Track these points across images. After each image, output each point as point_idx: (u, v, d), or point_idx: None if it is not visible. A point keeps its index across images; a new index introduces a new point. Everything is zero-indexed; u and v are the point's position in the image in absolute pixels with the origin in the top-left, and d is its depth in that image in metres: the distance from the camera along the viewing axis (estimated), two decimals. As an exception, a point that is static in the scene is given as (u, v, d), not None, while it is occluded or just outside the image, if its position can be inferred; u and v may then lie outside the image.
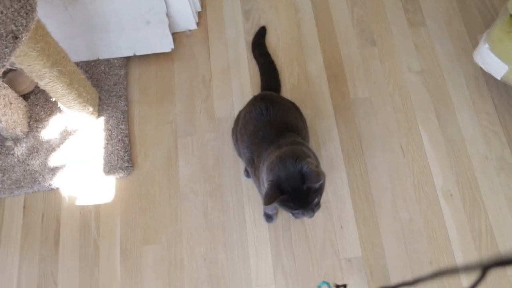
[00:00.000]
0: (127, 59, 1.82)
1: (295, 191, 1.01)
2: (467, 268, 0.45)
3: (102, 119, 1.69)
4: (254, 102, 1.30)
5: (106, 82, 1.76)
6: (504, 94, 1.65)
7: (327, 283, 1.18)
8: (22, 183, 1.62)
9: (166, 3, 1.69)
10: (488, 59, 1.50)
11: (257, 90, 1.72)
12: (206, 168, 1.61)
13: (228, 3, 1.92)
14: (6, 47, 1.12)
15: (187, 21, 1.83)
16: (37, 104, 1.74)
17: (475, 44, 1.65)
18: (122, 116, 1.69)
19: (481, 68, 1.56)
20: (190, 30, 1.87)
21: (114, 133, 1.66)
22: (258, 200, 1.53)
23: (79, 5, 1.64)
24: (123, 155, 1.62)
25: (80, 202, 1.61)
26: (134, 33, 1.75)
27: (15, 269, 1.53)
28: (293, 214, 1.11)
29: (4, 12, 1.11)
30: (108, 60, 1.79)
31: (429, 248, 1.44)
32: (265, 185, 1.07)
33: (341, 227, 1.49)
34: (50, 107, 1.73)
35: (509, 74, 1.45)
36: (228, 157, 1.62)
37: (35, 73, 1.34)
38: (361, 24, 1.83)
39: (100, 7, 1.66)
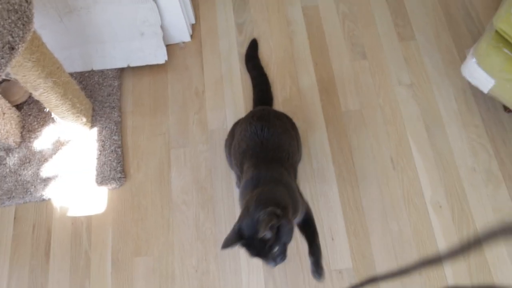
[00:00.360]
0: (121, 70, 1.84)
1: (252, 239, 0.99)
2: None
3: (95, 130, 1.72)
4: (251, 120, 1.30)
5: (100, 93, 1.78)
6: (491, 108, 1.70)
7: None
8: (14, 194, 1.63)
9: (160, 15, 1.73)
10: (475, 73, 1.54)
11: (249, 102, 1.75)
12: (198, 180, 1.64)
13: (221, 16, 1.96)
14: (2, 58, 1.14)
15: (181, 33, 1.87)
16: (30, 114, 1.76)
17: (463, 58, 1.70)
18: (115, 127, 1.71)
19: (469, 82, 1.61)
20: (184, 42, 1.91)
21: (107, 144, 1.68)
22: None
23: (74, 16, 1.68)
24: (115, 166, 1.64)
25: (71, 213, 1.62)
26: (128, 44, 1.78)
27: (5, 281, 1.54)
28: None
29: (1, 23, 1.13)
30: (102, 71, 1.82)
31: (418, 258, 1.47)
32: None
33: (332, 239, 1.52)
34: (43, 118, 1.75)
35: (496, 88, 1.50)
36: (221, 169, 1.64)
37: (29, 84, 1.36)
38: (352, 37, 1.88)
39: (95, 18, 1.70)
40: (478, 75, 1.54)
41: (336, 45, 1.87)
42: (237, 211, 1.55)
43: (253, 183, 1.14)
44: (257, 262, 1.49)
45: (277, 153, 1.23)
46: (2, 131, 1.60)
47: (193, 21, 1.94)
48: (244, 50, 1.87)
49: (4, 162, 1.68)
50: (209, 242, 1.53)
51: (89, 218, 1.61)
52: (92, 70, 1.82)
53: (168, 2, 1.71)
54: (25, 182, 1.64)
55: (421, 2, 1.93)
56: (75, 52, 1.81)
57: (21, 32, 1.17)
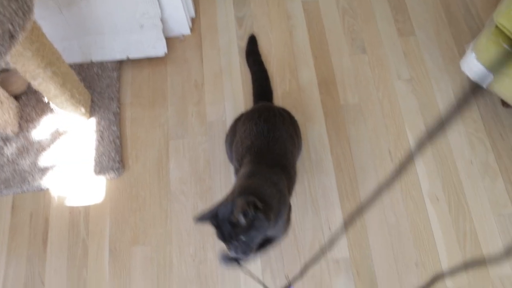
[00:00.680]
0: (120, 62, 1.92)
1: (223, 220, 1.03)
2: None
3: (93, 120, 1.79)
4: (257, 121, 1.34)
5: (99, 84, 1.85)
6: (489, 103, 1.77)
7: None
8: (11, 183, 1.69)
9: (160, 7, 1.80)
10: (475, 68, 1.62)
11: (249, 96, 1.83)
12: (197, 171, 1.70)
13: (221, 10, 2.04)
14: (2, 46, 1.19)
15: (181, 26, 1.94)
16: (28, 104, 1.83)
17: (462, 54, 1.78)
18: (114, 118, 1.78)
19: (467, 77, 1.68)
20: (183, 35, 1.98)
21: (105, 134, 1.75)
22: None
23: (74, 8, 1.75)
24: (114, 156, 1.71)
25: (69, 202, 1.69)
26: (128, 36, 1.86)
27: (2, 269, 1.60)
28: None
29: (2, 11, 1.18)
30: (101, 62, 1.89)
31: (415, 250, 1.54)
32: None
33: (330, 229, 1.58)
34: (42, 108, 1.82)
35: (494, 83, 1.57)
36: (219, 161, 1.71)
37: (29, 73, 1.43)
38: (352, 32, 1.96)
39: (94, 10, 1.77)
40: (477, 70, 1.61)
41: (335, 39, 1.95)
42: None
43: (249, 175, 1.18)
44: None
45: (282, 159, 1.28)
46: (0, 121, 1.66)
47: (193, 15, 2.01)
48: (243, 44, 1.95)
49: (2, 152, 1.74)
50: (207, 232, 1.60)
51: (87, 208, 1.67)
52: (91, 62, 1.89)
53: (169, -5, 1.79)
54: (23, 171, 1.71)
55: (421, -2, 2.02)
56: (74, 44, 1.89)
57: (21, 21, 1.23)
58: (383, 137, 1.73)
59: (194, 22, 2.02)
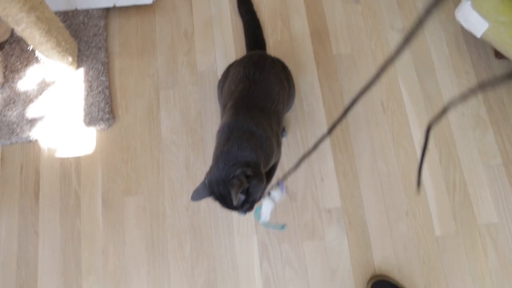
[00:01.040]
0: (107, 10, 1.81)
1: (222, 196, 1.07)
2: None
3: (81, 70, 1.70)
4: (246, 64, 1.31)
5: (85, 33, 1.76)
6: (482, 55, 1.73)
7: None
8: (-1, 134, 1.63)
9: (147, -49, 1.69)
10: (470, 17, 1.56)
11: (240, 45, 1.75)
12: (188, 121, 1.65)
13: (211, -45, 1.93)
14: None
15: (169, -28, 1.83)
16: (13, 54, 1.74)
17: (456, 3, 1.71)
18: (102, 68, 1.70)
19: (461, 28, 1.63)
20: (171, -18, 1.88)
21: (94, 84, 1.68)
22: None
23: (56, -50, 1.63)
24: (103, 107, 1.64)
25: (60, 153, 1.63)
26: (115, -18, 1.75)
27: (-6, 220, 1.57)
28: None
29: None
30: (87, 10, 1.78)
31: (405, 199, 1.54)
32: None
33: (322, 179, 1.56)
34: (27, 58, 1.73)
35: (489, 32, 1.52)
36: (211, 110, 1.66)
37: (11, 17, 1.33)
38: (345, -20, 1.87)
39: (79, -47, 1.65)
40: (472, 18, 1.55)
41: (328, -13, 1.86)
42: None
43: (228, 131, 1.15)
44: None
45: (262, 100, 1.23)
46: (-15, 70, 1.58)
47: (182, -40, 1.90)
48: (233, -9, 1.86)
49: (-12, 103, 1.67)
50: (200, 182, 1.56)
51: (77, 159, 1.63)
52: (76, 9, 1.79)
53: None
54: (10, 123, 1.64)
55: None
56: (58, -11, 1.77)
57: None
58: (375, 88, 1.68)
59: (183, -32, 1.91)
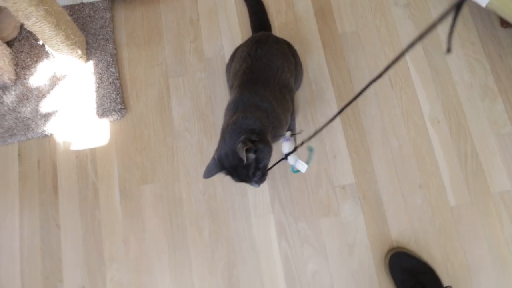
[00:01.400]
0: (112, 2, 1.77)
1: (233, 167, 1.05)
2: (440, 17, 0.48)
3: (91, 63, 1.67)
4: (249, 43, 1.31)
5: (92, 26, 1.72)
6: (488, 24, 1.68)
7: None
8: (15, 131, 1.60)
9: None
10: (474, -14, 1.51)
11: (246, 29, 1.71)
12: (199, 107, 1.62)
13: None
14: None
15: (171, -40, 1.78)
16: (22, 51, 1.70)
17: (459, -26, 1.66)
18: (111, 59, 1.67)
19: (465, -2, 1.58)
20: (174, -30, 1.83)
21: (104, 76, 1.65)
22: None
23: None
24: (115, 98, 1.61)
25: (75, 146, 1.61)
26: (117, -27, 1.71)
27: (16, 215, 1.54)
28: None
29: None
30: (92, 3, 1.74)
31: (418, 172, 1.50)
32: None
33: (334, 157, 1.53)
34: (36, 54, 1.69)
35: (494, 0, 1.47)
36: (221, 96, 1.63)
37: (21, 12, 1.30)
38: (346, -42, 1.81)
39: None
40: (476, -12, 1.50)
41: (330, -34, 1.80)
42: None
43: (234, 107, 1.15)
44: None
45: (265, 73, 1.22)
46: (-4, 68, 1.55)
47: None
48: (236, -24, 1.80)
49: (1, 101, 1.64)
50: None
51: (93, 151, 1.60)
52: (82, 3, 1.75)
53: None
54: (25, 118, 1.62)
55: None
56: (62, -15, 1.73)
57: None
58: (382, 64, 1.64)
59: (184, -44, 1.86)
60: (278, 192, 1.50)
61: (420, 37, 0.49)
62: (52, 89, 1.65)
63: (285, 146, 1.20)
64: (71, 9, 1.74)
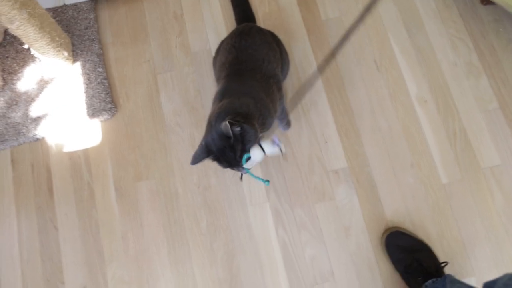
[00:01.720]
0: (95, 2, 1.72)
1: (220, 150, 1.00)
2: None
3: (78, 64, 1.62)
4: (233, 35, 1.29)
5: (77, 27, 1.67)
6: (468, 2, 1.65)
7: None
8: (6, 136, 1.56)
9: None
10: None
11: (230, 21, 1.67)
12: (188, 101, 1.58)
13: None
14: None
15: (151, -44, 1.73)
16: (8, 56, 1.65)
17: (438, -46, 1.64)
18: (98, 59, 1.62)
19: (445, -23, 1.55)
20: (155, -33, 1.78)
21: (92, 76, 1.60)
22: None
23: None
24: (104, 97, 1.57)
25: (68, 148, 1.57)
26: (98, -27, 1.66)
27: (14, 221, 1.50)
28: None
29: None
30: (75, 4, 1.69)
31: (409, 151, 1.48)
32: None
33: (326, 142, 1.51)
34: (22, 58, 1.64)
35: (473, -22, 1.45)
36: (209, 88, 1.59)
37: (4, 16, 1.25)
38: None
39: None
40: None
41: (310, -46, 1.77)
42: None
43: (220, 96, 1.13)
44: (255, 170, 1.48)
45: (251, 63, 1.20)
46: (-17, 75, 1.50)
47: None
48: (217, -31, 1.76)
49: (-10, 107, 1.59)
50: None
51: (86, 152, 1.56)
52: (65, 5, 1.70)
53: None
54: (15, 124, 1.57)
55: None
56: (44, -13, 1.68)
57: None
58: (367, 47, 1.62)
59: (164, -48, 1.81)
60: (272, 180, 1.48)
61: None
62: (40, 92, 1.60)
63: (267, 144, 1.10)
64: (54, 12, 1.69)
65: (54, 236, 1.48)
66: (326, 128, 1.52)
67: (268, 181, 1.15)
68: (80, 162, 1.55)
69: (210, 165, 1.50)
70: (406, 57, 1.59)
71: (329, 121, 1.53)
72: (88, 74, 1.61)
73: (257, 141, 1.05)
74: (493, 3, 1.60)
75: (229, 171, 1.49)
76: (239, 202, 1.47)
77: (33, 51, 1.49)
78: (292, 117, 1.52)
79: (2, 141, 1.56)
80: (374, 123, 1.52)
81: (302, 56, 1.61)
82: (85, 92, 1.59)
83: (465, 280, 1.35)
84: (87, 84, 1.59)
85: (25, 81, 1.62)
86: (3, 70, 1.63)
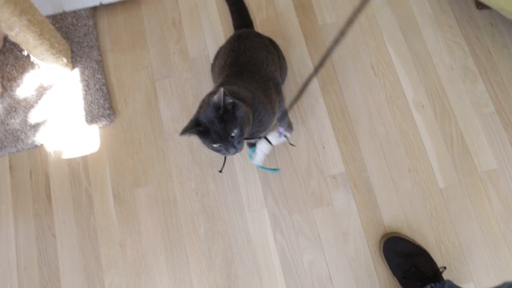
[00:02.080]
0: (94, 9, 1.69)
1: (211, 121, 0.93)
2: None
3: (77, 71, 1.59)
4: (231, 39, 1.27)
5: (76, 34, 1.63)
6: (464, 7, 1.62)
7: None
8: (5, 143, 1.52)
9: None
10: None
11: (228, 27, 1.64)
12: (187, 107, 1.55)
13: None
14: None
15: (149, -36, 1.70)
16: (7, 63, 1.62)
17: (433, -40, 1.60)
18: (97, 66, 1.59)
19: (441, -17, 1.52)
20: (153, -26, 1.75)
21: (91, 83, 1.57)
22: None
23: (35, -46, 1.50)
24: (103, 103, 1.53)
25: (66, 155, 1.53)
26: (97, -20, 1.62)
27: (11, 227, 1.46)
28: (220, 151, 1.01)
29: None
30: (74, 12, 1.66)
31: (406, 156, 1.44)
32: None
33: (323, 147, 1.47)
34: (22, 65, 1.61)
35: (469, -17, 1.42)
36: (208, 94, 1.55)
37: (4, 23, 1.22)
38: (322, -48, 1.74)
39: (57, -45, 1.52)
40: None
41: (306, -39, 1.73)
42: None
43: (218, 85, 1.10)
44: (253, 176, 1.44)
45: (251, 65, 1.17)
46: (-19, 82, 1.47)
47: (160, -48, 1.76)
48: (215, -24, 1.73)
49: (-11, 114, 1.56)
50: (206, 165, 1.47)
51: (84, 158, 1.52)
52: (64, 12, 1.66)
53: None
54: (14, 130, 1.53)
55: None
56: (43, -5, 1.65)
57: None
58: (364, 52, 1.58)
59: (162, -41, 1.77)
60: (270, 186, 1.44)
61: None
62: (39, 99, 1.56)
63: (273, 136, 1.06)
64: (54, 19, 1.65)
65: (51, 243, 1.44)
66: (324, 133, 1.48)
67: (277, 169, 1.08)
68: (79, 168, 1.51)
69: (208, 172, 1.46)
70: (402, 62, 1.55)
71: (326, 126, 1.49)
72: (87, 80, 1.57)
73: (263, 136, 1.00)
74: (488, 8, 1.56)
75: (227, 178, 1.45)
76: (237, 208, 1.43)
77: (32, 58, 1.46)
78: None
79: (0, 148, 1.52)
80: (371, 128, 1.48)
81: (299, 61, 1.58)
82: (83, 98, 1.55)
83: (464, 285, 1.31)
84: (85, 91, 1.56)
85: (24, 87, 1.58)
86: (2, 77, 1.60)
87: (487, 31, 1.58)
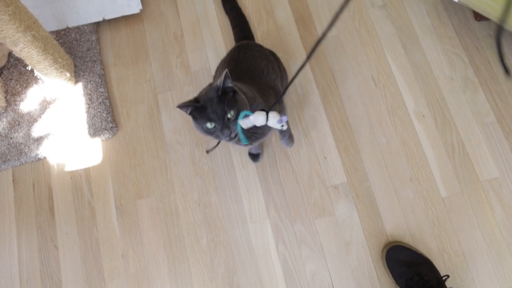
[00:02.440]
0: (97, 25, 1.79)
1: (209, 100, 0.98)
2: None
3: (80, 85, 1.68)
4: (232, 51, 1.35)
5: (79, 49, 1.73)
6: (462, 18, 1.70)
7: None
8: (8, 157, 1.60)
9: (128, -38, 1.67)
10: (445, -16, 1.54)
11: (229, 40, 1.73)
12: (188, 120, 1.62)
13: (189, -41, 1.90)
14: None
15: (151, -20, 1.80)
16: (11, 78, 1.71)
17: (431, -27, 1.70)
18: (99, 80, 1.67)
19: (439, -5, 1.60)
20: (155, -10, 1.85)
21: (94, 96, 1.65)
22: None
23: (40, -28, 1.60)
24: (106, 117, 1.61)
25: (69, 167, 1.61)
26: (100, -4, 1.72)
27: (14, 240, 1.53)
28: (212, 133, 1.04)
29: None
30: (78, 27, 1.76)
31: (408, 166, 1.51)
32: None
33: (325, 158, 1.54)
34: (26, 80, 1.70)
35: (466, -5, 1.50)
36: (209, 107, 1.63)
37: (9, 39, 1.31)
38: (321, -34, 1.84)
39: (62, -28, 1.63)
40: (448, -15, 1.53)
41: (306, -25, 1.83)
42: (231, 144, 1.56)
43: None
44: (256, 187, 1.51)
45: (251, 72, 1.25)
46: (-14, 96, 1.55)
47: (162, -32, 1.87)
48: (216, -10, 1.83)
49: (-7, 128, 1.64)
50: (208, 176, 1.54)
51: (87, 170, 1.60)
52: (68, 28, 1.76)
53: None
54: (18, 144, 1.61)
55: None
56: (47, 11, 1.75)
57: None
58: (364, 64, 1.66)
59: (164, -25, 1.88)
60: (272, 197, 1.50)
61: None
62: (43, 113, 1.65)
63: (273, 116, 1.07)
64: (58, 34, 1.75)
65: (54, 255, 1.50)
66: (325, 144, 1.55)
67: (248, 142, 1.12)
68: (81, 181, 1.58)
69: (210, 183, 1.53)
70: (403, 73, 1.63)
71: (328, 137, 1.56)
72: (90, 94, 1.65)
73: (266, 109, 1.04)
74: (486, 19, 1.65)
75: (230, 190, 1.52)
76: (239, 219, 1.49)
77: (36, 73, 1.54)
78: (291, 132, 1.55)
79: (4, 161, 1.59)
80: (373, 138, 1.55)
81: (301, 74, 1.65)
82: (86, 112, 1.63)
83: (468, 294, 1.36)
84: (88, 104, 1.64)
85: (28, 102, 1.67)
86: (6, 92, 1.68)
87: (486, 42, 1.66)
